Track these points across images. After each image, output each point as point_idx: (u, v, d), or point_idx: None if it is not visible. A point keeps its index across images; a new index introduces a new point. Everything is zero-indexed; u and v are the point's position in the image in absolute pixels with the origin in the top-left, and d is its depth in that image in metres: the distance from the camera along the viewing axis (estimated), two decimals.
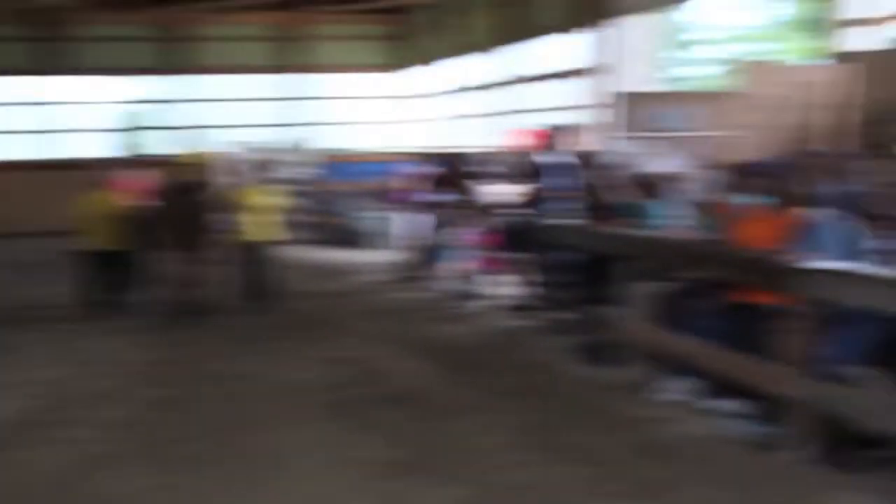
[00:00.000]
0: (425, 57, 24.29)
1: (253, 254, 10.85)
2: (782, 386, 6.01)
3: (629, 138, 9.31)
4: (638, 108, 9.34)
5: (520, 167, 11.59)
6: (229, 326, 10.11)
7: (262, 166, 11.36)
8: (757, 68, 9.60)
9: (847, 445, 5.91)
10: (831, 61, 10.04)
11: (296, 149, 20.76)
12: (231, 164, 16.34)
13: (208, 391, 7.71)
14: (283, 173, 19.89)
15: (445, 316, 10.76)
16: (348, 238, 18.07)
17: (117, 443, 6.51)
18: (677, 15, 15.91)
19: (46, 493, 5.66)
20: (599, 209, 8.98)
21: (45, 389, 7.80)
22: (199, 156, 11.37)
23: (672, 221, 7.97)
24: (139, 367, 8.57)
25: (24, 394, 7.66)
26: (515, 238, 10.75)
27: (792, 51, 24.82)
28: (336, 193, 17.97)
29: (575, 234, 8.88)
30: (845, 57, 9.76)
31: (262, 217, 10.73)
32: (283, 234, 11.10)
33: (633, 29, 14.79)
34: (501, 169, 12.81)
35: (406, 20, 25.34)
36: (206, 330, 9.99)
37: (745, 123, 9.40)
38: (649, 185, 8.13)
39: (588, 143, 12.95)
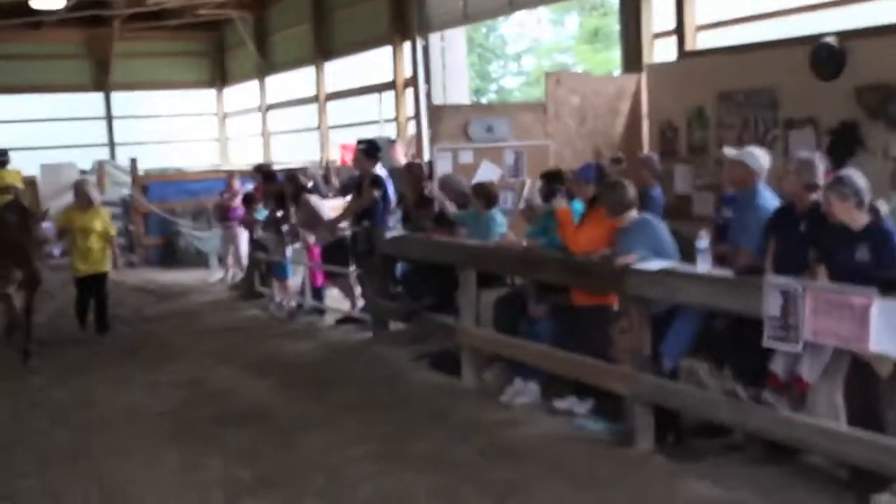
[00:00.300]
0: (248, 72, 24.27)
1: (85, 281, 10.76)
2: (620, 383, 6.24)
3: (447, 149, 9.75)
4: (453, 119, 9.81)
5: (352, 181, 11.89)
6: (67, 355, 9.80)
7: (88, 188, 11.04)
8: (560, 79, 10.27)
9: (687, 437, 6.25)
10: (625, 72, 10.87)
11: (120, 169, 20.38)
12: (58, 186, 16.24)
13: (49, 421, 7.49)
14: (111, 194, 19.59)
15: (286, 332, 10.76)
16: (182, 257, 17.94)
17: None
18: (490, 29, 16.66)
19: None
20: (435, 219, 9.20)
21: None
22: (13, 177, 11.11)
23: (503, 229, 8.21)
24: None
25: None
26: (351, 251, 10.76)
27: (592, 62, 26.11)
28: (167, 213, 17.78)
29: (412, 245, 9.02)
30: (636, 68, 10.60)
31: (91, 242, 10.59)
32: (112, 258, 11.03)
33: (448, 42, 15.33)
34: (335, 183, 13.05)
35: (226, 36, 25.24)
36: (44, 359, 9.59)
37: (552, 132, 10.09)
38: (485, 194, 8.35)
39: (409, 154, 13.46)
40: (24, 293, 9.75)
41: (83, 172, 20.90)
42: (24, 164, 21.69)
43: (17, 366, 9.41)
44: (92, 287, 10.74)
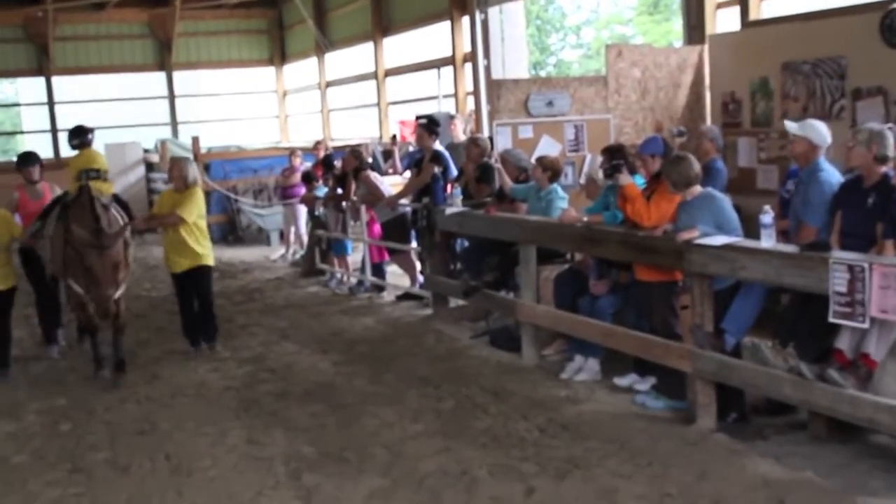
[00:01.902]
0: (307, 50, 24.37)
1: (185, 278, 8.80)
2: (682, 360, 6.20)
3: (506, 124, 9.70)
4: (512, 94, 9.74)
5: (413, 157, 11.92)
6: (131, 329, 9.46)
7: (183, 165, 8.85)
8: (621, 51, 10.15)
9: (749, 415, 6.22)
10: (687, 43, 10.70)
11: (182, 147, 20.66)
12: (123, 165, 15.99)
13: (117, 397, 7.65)
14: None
15: (347, 308, 10.82)
16: (244, 235, 18.17)
17: (34, 452, 6.47)
18: (548, 1, 16.47)
19: None
20: (495, 195, 9.19)
21: None
22: (100, 159, 9.68)
23: (564, 204, 8.12)
24: (38, 373, 8.50)
25: None
26: (411, 228, 10.92)
27: (653, 33, 25.76)
28: (228, 190, 17.98)
29: (472, 221, 8.99)
30: (699, 39, 10.43)
31: (185, 230, 8.56)
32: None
33: (506, 16, 15.21)
34: (395, 160, 13.10)
35: (285, 13, 25.36)
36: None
37: (612, 106, 9.99)
38: (552, 167, 8.30)
39: (468, 130, 13.42)
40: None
41: (146, 151, 21.31)
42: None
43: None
44: (193, 285, 8.84)
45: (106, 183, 9.21)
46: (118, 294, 8.03)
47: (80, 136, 9.66)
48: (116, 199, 8.99)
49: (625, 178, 6.77)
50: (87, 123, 9.99)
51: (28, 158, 9.63)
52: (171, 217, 8.57)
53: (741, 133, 9.32)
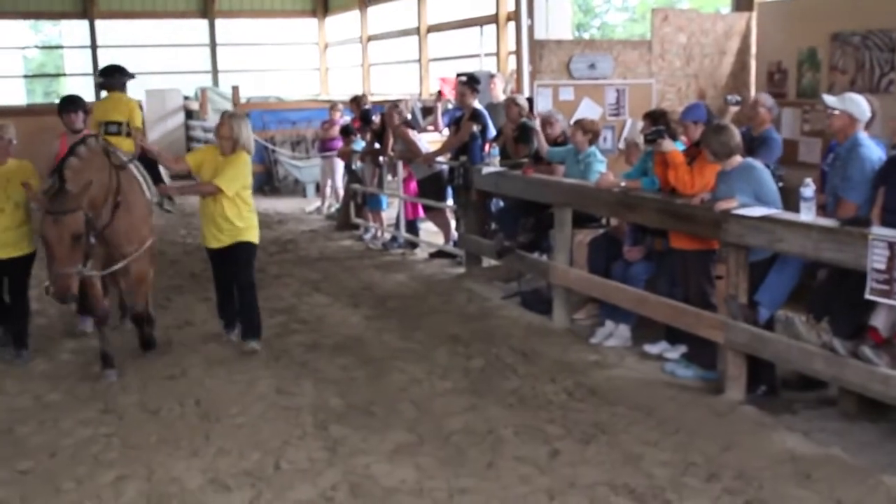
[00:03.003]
0: (350, 2, 24.25)
1: (220, 258, 7.54)
2: (714, 330, 6.17)
3: (547, 86, 9.61)
4: (555, 55, 9.64)
5: (453, 115, 11.86)
6: (165, 275, 9.65)
7: (236, 123, 7.29)
8: (667, 16, 10.01)
9: (779, 388, 6.20)
10: (735, 10, 10.52)
11: (222, 96, 20.72)
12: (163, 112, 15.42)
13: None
14: (212, 120, 19.92)
15: (380, 263, 10.85)
16: (280, 186, 18.22)
17: (67, 391, 6.55)
18: None
19: None
20: (533, 156, 9.14)
21: None
22: (133, 110, 8.85)
23: (603, 168, 8.05)
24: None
25: None
26: (447, 186, 10.89)
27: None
28: (266, 141, 18.03)
29: (509, 182, 8.96)
30: (747, 6, 10.26)
31: (223, 203, 7.26)
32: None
33: None
34: (438, 116, 13.04)
35: None
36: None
37: (656, 71, 9.87)
38: (593, 129, 8.24)
39: (509, 90, 13.32)
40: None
41: (186, 98, 21.39)
42: (130, 89, 22.31)
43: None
44: (231, 265, 7.46)
45: (128, 139, 8.00)
46: (94, 274, 6.74)
47: (107, 75, 8.61)
48: (143, 157, 7.60)
49: (668, 144, 6.69)
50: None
51: (70, 103, 8.19)
52: (207, 186, 7.25)
53: (786, 104, 9.17)
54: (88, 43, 23.06)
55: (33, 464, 5.41)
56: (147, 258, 7.31)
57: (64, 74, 26.99)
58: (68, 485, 5.12)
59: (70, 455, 5.52)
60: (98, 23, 23.12)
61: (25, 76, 24.27)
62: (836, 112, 6.19)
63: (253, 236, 7.51)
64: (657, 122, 7.15)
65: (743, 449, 5.31)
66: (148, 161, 7.68)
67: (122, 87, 8.42)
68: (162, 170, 8.12)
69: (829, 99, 6.34)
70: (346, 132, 13.46)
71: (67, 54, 26.37)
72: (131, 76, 8.57)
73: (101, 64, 22.66)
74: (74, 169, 6.42)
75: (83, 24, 23.14)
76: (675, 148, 6.72)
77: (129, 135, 7.89)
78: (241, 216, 7.37)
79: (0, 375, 6.91)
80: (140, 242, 7.14)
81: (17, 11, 22.45)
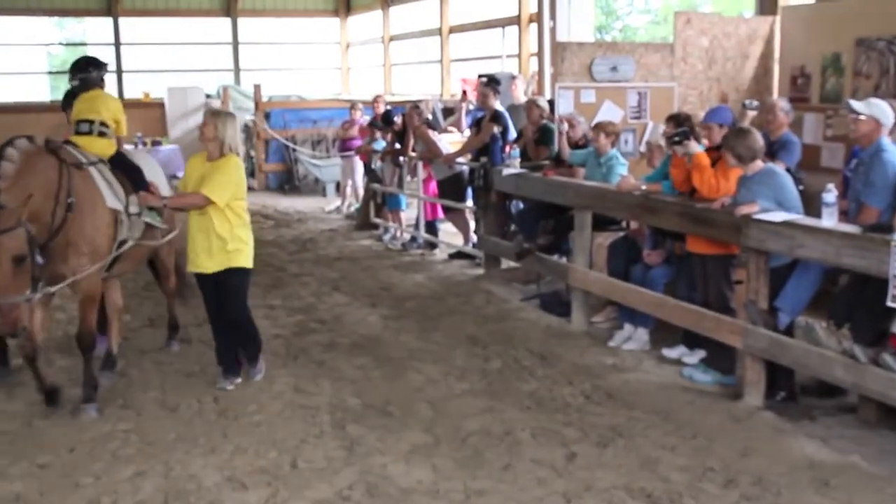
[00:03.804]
0: (372, 2, 24.28)
1: (209, 283, 6.56)
2: (733, 336, 6.15)
3: (569, 88, 9.59)
4: (577, 57, 9.62)
5: (475, 116, 11.85)
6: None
7: (220, 122, 6.52)
8: (690, 19, 9.96)
9: (798, 395, 6.17)
10: (759, 14, 10.46)
11: (244, 94, 20.81)
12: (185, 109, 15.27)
13: (167, 338, 7.71)
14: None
15: (399, 263, 10.88)
16: (300, 184, 18.29)
17: None
18: None
19: None
20: (554, 158, 9.13)
21: None
22: (110, 105, 7.21)
23: (624, 171, 8.03)
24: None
25: None
26: (468, 187, 10.89)
27: (723, 2, 25.23)
28: (287, 140, 18.10)
29: (529, 184, 8.94)
30: (771, 10, 10.20)
31: (211, 217, 6.38)
32: None
33: None
34: (461, 117, 13.01)
35: None
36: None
37: (678, 74, 9.83)
38: (611, 135, 8.23)
39: (530, 91, 13.31)
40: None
41: (208, 96, 21.47)
42: (152, 87, 22.46)
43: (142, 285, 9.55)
44: (220, 295, 6.50)
45: (101, 139, 6.78)
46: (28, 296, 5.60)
47: (80, 70, 7.26)
48: (121, 161, 6.77)
49: (695, 146, 6.65)
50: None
51: (73, 97, 7.19)
52: (191, 197, 6.33)
53: (808, 109, 9.12)
54: (112, 40, 23.18)
55: (52, 458, 5.44)
56: (110, 287, 6.70)
57: None
58: (86, 480, 5.15)
59: (88, 450, 5.55)
60: (122, 20, 23.24)
61: (49, 73, 24.40)
62: (863, 117, 6.15)
63: (246, 260, 6.51)
64: (682, 124, 7.11)
65: (761, 455, 5.28)
66: (129, 166, 6.81)
67: (100, 83, 7.27)
68: (158, 175, 7.29)
69: (856, 104, 6.30)
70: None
71: (91, 51, 26.47)
72: (105, 66, 7.37)
73: (126, 62, 23.06)
74: (8, 177, 5.54)
75: (107, 22, 23.26)
76: (700, 150, 6.68)
77: (101, 134, 6.77)
78: (233, 234, 6.36)
79: (19, 369, 6.93)
80: (93, 257, 6.18)
81: (42, 9, 22.59)
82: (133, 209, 6.50)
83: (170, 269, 7.56)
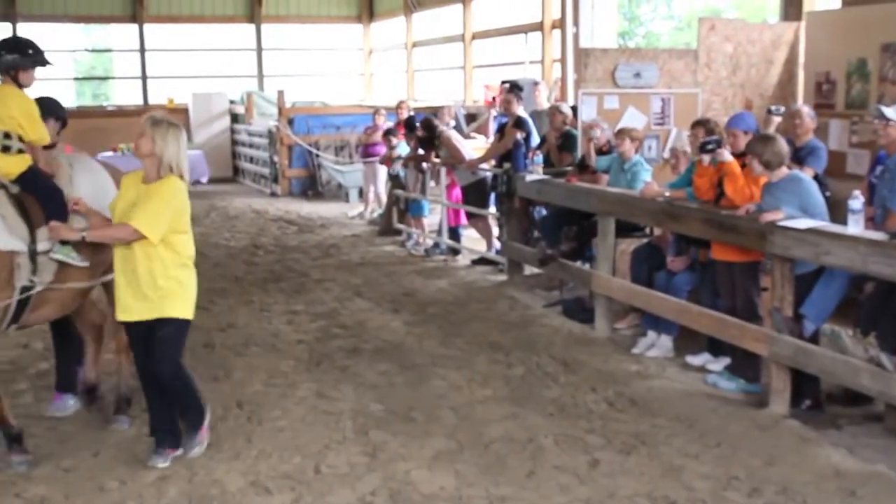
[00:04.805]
0: (395, 8, 24.34)
1: (136, 332, 5.36)
2: (758, 343, 6.12)
3: (592, 94, 9.58)
4: (600, 63, 9.61)
5: (499, 122, 11.87)
6: (206, 277, 9.60)
7: (161, 135, 5.15)
8: (714, 25, 9.93)
9: (824, 403, 6.11)
10: (783, 19, 10.42)
11: (267, 100, 20.92)
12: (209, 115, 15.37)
13: (189, 342, 7.72)
14: (257, 125, 20.14)
15: (421, 269, 10.88)
16: (323, 190, 18.36)
17: (109, 390, 6.43)
18: None
19: None
20: (577, 164, 9.12)
21: None
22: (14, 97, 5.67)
23: (648, 177, 8.01)
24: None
25: None
26: (491, 193, 10.88)
27: (747, 8, 25.14)
28: (310, 145, 18.18)
29: (553, 190, 8.94)
30: (796, 15, 10.15)
31: (138, 254, 5.17)
32: None
33: None
34: (489, 122, 13.00)
35: None
36: None
37: (702, 80, 9.80)
38: (636, 141, 8.22)
39: (553, 98, 13.31)
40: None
41: (232, 102, 21.60)
42: (177, 93, 22.59)
43: None
44: (150, 349, 5.28)
45: (7, 156, 5.36)
46: None
47: None
48: (33, 182, 5.42)
49: (727, 155, 6.62)
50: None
51: (41, 108, 5.69)
52: (118, 229, 5.16)
53: (834, 115, 9.06)
54: (137, 46, 23.35)
55: (77, 462, 5.47)
56: None
57: (113, 77, 27.33)
58: (111, 484, 5.18)
59: (113, 454, 5.58)
60: (147, 27, 23.39)
61: (76, 78, 24.63)
62: (893, 123, 6.13)
63: (183, 309, 5.28)
64: (713, 131, 7.07)
65: (786, 464, 5.25)
66: (44, 187, 5.46)
67: (9, 72, 5.53)
68: (105, 189, 5.78)
69: (888, 110, 6.27)
70: (388, 137, 13.36)
71: (116, 57, 26.69)
72: (26, 47, 5.60)
73: (150, 68, 23.21)
74: None
75: (132, 28, 23.42)
76: (732, 158, 6.63)
77: (5, 149, 5.37)
78: (168, 275, 5.17)
79: (46, 374, 6.97)
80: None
81: (68, 15, 22.78)
82: (42, 245, 5.34)
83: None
